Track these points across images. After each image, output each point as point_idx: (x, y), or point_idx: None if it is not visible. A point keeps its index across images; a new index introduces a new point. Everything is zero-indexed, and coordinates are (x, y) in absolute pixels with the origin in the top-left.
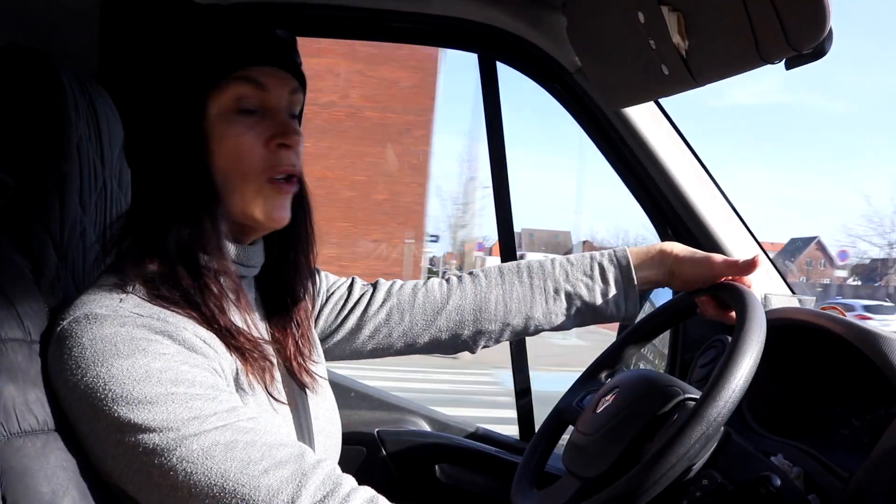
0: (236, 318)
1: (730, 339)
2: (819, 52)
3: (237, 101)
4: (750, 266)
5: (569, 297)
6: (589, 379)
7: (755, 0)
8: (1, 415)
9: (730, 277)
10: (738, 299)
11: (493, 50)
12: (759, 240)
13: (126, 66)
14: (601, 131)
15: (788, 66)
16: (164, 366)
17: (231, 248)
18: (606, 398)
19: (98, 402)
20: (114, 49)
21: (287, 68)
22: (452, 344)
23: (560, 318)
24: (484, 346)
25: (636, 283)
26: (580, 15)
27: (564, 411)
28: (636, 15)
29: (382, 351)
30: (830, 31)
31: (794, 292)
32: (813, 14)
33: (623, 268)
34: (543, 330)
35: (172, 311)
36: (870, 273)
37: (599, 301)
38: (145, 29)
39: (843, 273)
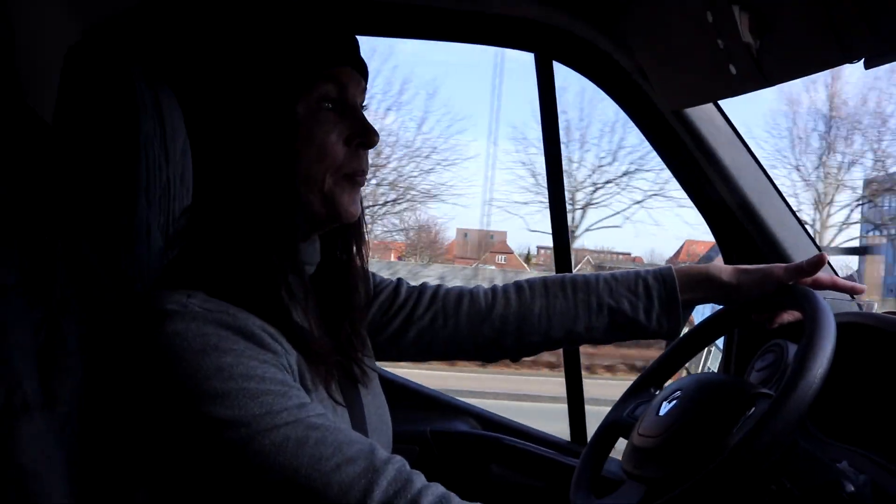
0: (298, 316)
1: (788, 342)
2: None
3: (322, 99)
4: (816, 265)
5: (612, 312)
6: (638, 390)
7: None
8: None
9: None
10: (801, 298)
11: (550, 50)
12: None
13: (199, 62)
14: (659, 133)
15: (868, 66)
16: (234, 361)
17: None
18: (669, 401)
19: (170, 397)
20: (181, 44)
21: (360, 68)
22: (494, 352)
23: (601, 333)
24: (525, 356)
25: (680, 301)
26: (642, 15)
27: (615, 423)
28: (704, 14)
29: (426, 354)
30: None
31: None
32: None
33: (668, 285)
34: (584, 343)
35: (239, 306)
36: None
37: (642, 318)
38: (216, 25)
39: None
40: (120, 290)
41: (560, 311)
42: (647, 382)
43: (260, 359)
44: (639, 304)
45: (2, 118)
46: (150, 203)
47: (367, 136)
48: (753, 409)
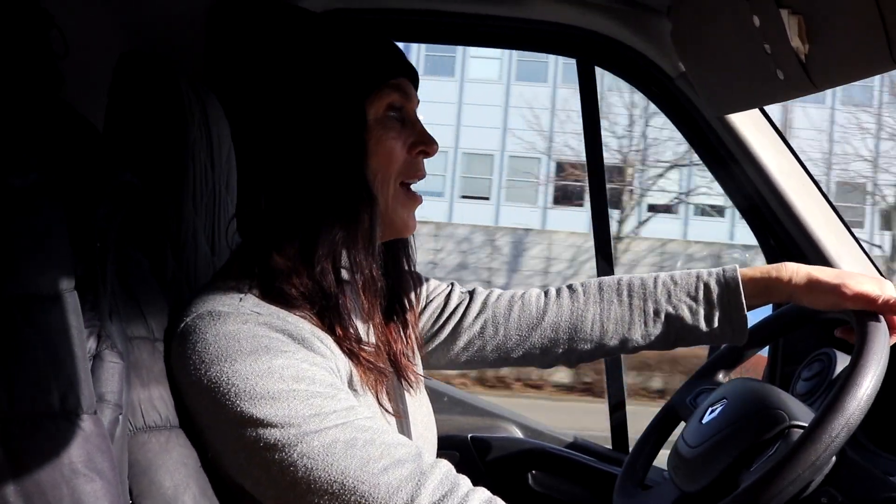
0: (356, 321)
1: (836, 352)
2: None
3: (390, 107)
4: (890, 309)
5: (669, 319)
6: (704, 377)
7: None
8: (128, 410)
9: None
10: (860, 325)
11: (592, 55)
12: None
13: (257, 74)
14: (702, 137)
15: None
16: (285, 363)
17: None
18: (714, 407)
19: (221, 397)
20: (235, 56)
21: (416, 82)
22: (546, 360)
23: (658, 341)
24: (578, 363)
25: (745, 308)
26: (686, 19)
27: (676, 408)
28: (750, 18)
29: (477, 362)
30: None
31: None
32: None
33: (732, 290)
34: (640, 350)
35: (289, 311)
36: None
37: (703, 326)
38: (272, 36)
39: None
40: (168, 297)
41: (615, 318)
42: (714, 370)
43: (310, 361)
44: (699, 311)
45: (55, 126)
46: (196, 210)
47: (428, 145)
48: (778, 444)
